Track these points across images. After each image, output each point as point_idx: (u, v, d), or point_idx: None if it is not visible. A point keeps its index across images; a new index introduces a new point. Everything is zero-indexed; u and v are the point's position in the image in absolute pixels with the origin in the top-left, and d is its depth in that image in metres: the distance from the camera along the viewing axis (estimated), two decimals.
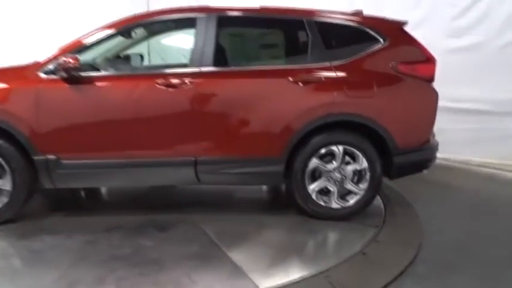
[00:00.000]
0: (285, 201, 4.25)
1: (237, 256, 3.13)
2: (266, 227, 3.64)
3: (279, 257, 3.17)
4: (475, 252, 3.42)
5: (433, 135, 3.98)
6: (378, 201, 4.28)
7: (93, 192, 4.61)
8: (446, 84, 5.92)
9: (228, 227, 3.63)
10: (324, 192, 3.81)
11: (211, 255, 3.16)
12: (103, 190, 4.67)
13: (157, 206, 4.14)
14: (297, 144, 3.67)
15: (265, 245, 3.33)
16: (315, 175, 3.78)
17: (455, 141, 6.05)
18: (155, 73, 3.70)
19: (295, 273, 2.91)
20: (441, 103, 6.01)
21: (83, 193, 4.58)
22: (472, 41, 5.99)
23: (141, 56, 4.33)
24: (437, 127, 5.82)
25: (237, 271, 2.93)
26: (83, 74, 3.52)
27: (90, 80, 3.53)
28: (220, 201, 4.33)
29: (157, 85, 3.51)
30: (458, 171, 5.82)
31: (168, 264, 3.02)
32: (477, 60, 5.86)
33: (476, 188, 5.07)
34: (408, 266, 3.14)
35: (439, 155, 6.13)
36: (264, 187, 4.64)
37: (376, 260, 3.18)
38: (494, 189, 5.07)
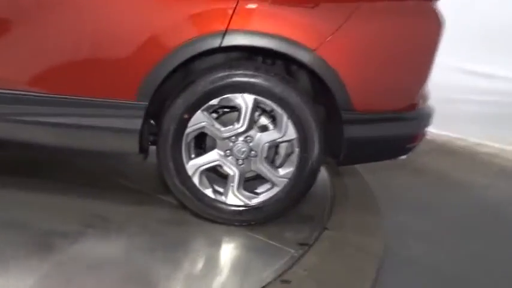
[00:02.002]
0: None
1: None
2: (95, 228, 2.01)
3: None
4: None
5: (425, 98, 2.27)
6: (322, 197, 2.63)
7: None
8: (471, 40, 4.24)
9: (41, 219, 2.02)
10: (220, 175, 2.19)
11: None
12: None
13: None
14: (167, 83, 2.00)
15: (57, 271, 1.72)
16: (205, 143, 2.15)
17: (466, 118, 4.40)
18: None
19: None
20: (457, 63, 4.40)
21: None
22: None
23: None
24: (446, 96, 4.15)
25: None
26: None
27: None
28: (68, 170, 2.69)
29: None
30: (463, 159, 4.16)
31: None
32: None
33: (481, 186, 3.43)
34: None
35: (439, 132, 4.58)
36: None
37: None
38: (506, 190, 3.41)
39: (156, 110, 2.09)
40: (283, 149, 2.14)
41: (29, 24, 1.91)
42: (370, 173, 3.19)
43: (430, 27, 2.11)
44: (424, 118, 2.26)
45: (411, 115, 2.17)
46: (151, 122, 2.19)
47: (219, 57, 2.14)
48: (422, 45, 2.13)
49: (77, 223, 2.02)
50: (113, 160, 2.64)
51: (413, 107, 2.16)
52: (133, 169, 2.66)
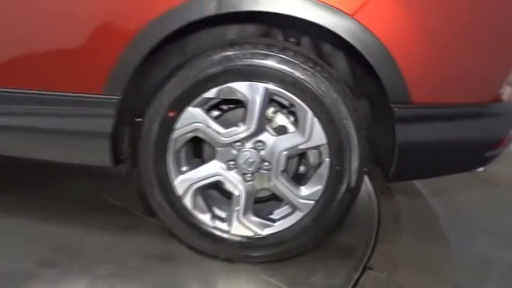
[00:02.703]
0: None
1: None
2: (55, 267, 1.49)
3: None
4: None
5: None
6: (365, 223, 2.00)
7: None
8: None
9: None
10: (224, 195, 1.63)
11: None
12: None
13: None
14: (144, 70, 1.47)
15: None
16: (202, 153, 1.59)
17: None
18: None
19: None
20: None
21: None
22: None
23: None
24: None
25: None
26: None
27: None
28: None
29: None
30: None
31: None
32: None
33: None
34: None
35: None
36: None
37: None
38: None
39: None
40: (308, 160, 1.56)
41: None
42: (428, 186, 2.53)
43: None
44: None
45: (495, 109, 1.51)
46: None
47: (231, 32, 1.59)
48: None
49: (33, 259, 1.52)
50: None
51: (497, 98, 1.50)
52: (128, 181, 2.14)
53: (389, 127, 1.46)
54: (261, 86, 1.41)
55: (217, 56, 1.41)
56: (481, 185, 2.88)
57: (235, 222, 1.53)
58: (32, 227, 1.70)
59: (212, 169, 1.51)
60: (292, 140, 1.47)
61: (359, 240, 1.84)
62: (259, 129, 1.46)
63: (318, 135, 1.44)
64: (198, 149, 1.60)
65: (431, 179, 2.43)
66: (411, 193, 2.42)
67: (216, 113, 1.57)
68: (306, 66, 1.39)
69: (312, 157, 1.54)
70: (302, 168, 1.59)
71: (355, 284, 1.55)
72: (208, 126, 1.46)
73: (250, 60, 1.40)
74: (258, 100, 1.42)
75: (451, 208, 2.45)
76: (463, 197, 2.63)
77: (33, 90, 1.44)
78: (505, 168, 3.12)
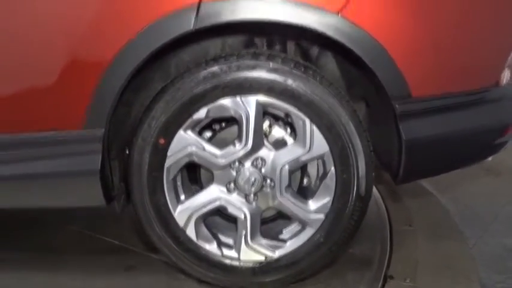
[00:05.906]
0: None
1: None
2: None
3: None
4: None
5: None
6: (378, 231, 1.91)
7: None
8: None
9: None
10: (227, 220, 1.53)
11: None
12: None
13: None
14: (128, 99, 1.39)
15: None
16: (198, 178, 1.50)
17: None
18: None
19: None
20: None
21: None
22: None
23: None
24: None
25: None
26: None
27: None
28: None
29: None
30: None
31: None
32: None
33: None
34: None
35: None
36: None
37: None
38: None
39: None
40: (312, 171, 1.47)
41: None
42: (434, 184, 2.45)
43: None
44: None
45: (498, 94, 1.44)
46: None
47: (213, 45, 1.51)
48: None
49: None
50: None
51: (499, 82, 1.44)
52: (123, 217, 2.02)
53: (392, 127, 1.39)
54: (252, 99, 1.33)
55: (202, 73, 1.33)
56: (487, 177, 2.81)
57: (244, 248, 1.43)
58: (26, 281, 1.58)
59: (212, 194, 1.42)
60: (292, 152, 1.38)
61: (374, 249, 1.75)
62: (257, 146, 1.37)
63: (319, 144, 1.35)
64: (192, 175, 1.51)
65: (436, 176, 2.37)
66: (419, 193, 2.33)
67: (208, 134, 1.49)
68: (296, 72, 1.31)
69: (316, 169, 1.46)
70: (306, 180, 1.51)
71: None
72: (203, 149, 1.37)
73: (237, 73, 1.32)
74: (251, 114, 1.34)
75: (461, 203, 2.37)
76: (471, 190, 2.55)
77: (11, 134, 1.34)
78: (509, 158, 3.07)
